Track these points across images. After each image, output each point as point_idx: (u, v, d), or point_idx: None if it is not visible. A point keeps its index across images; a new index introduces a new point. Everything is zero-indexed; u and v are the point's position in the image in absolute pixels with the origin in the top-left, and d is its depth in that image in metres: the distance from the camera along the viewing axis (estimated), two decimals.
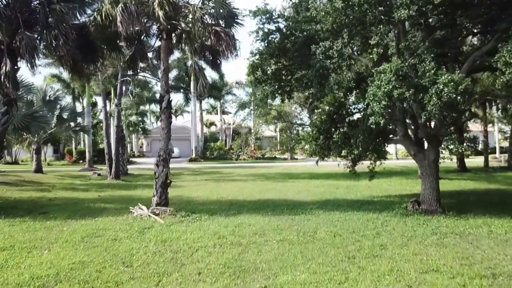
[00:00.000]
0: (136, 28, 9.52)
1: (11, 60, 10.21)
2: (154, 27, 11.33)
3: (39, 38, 10.88)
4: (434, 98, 7.57)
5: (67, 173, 23.36)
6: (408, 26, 9.62)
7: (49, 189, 15.42)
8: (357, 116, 11.46)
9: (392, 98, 7.91)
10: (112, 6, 9.57)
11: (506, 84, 7.92)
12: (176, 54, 26.34)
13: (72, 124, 24.37)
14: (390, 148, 32.28)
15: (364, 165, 11.47)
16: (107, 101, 25.46)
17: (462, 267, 5.49)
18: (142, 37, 11.63)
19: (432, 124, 10.23)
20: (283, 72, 11.79)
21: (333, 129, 10.81)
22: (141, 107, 41.61)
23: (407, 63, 8.19)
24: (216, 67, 13.08)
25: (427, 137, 9.99)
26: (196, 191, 14.61)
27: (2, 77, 10.09)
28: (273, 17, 11.14)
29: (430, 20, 9.93)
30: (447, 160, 11.08)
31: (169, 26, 10.14)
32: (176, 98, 56.68)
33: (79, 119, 25.69)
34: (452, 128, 10.35)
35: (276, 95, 12.18)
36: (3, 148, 12.82)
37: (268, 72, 11.55)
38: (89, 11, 11.75)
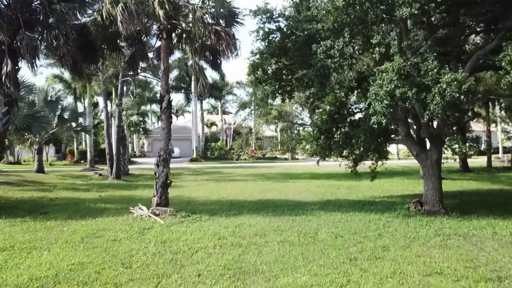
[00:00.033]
0: (137, 28, 9.50)
1: (12, 60, 10.21)
2: (155, 27, 11.33)
3: (39, 38, 10.89)
4: (437, 98, 7.48)
5: (69, 173, 23.38)
6: (410, 24, 9.52)
7: (51, 189, 15.41)
8: (358, 115, 11.40)
9: (394, 97, 7.81)
10: (112, 6, 9.57)
11: (511, 83, 7.82)
12: (177, 54, 26.31)
13: (74, 124, 24.43)
14: (392, 148, 32.13)
15: (365, 165, 11.38)
16: (108, 101, 25.50)
17: (466, 269, 5.39)
18: (142, 37, 11.61)
19: (435, 123, 10.14)
20: (284, 71, 11.73)
21: (334, 129, 10.72)
22: (142, 107, 41.74)
23: (409, 62, 8.10)
24: (216, 67, 13.05)
25: (429, 137, 9.89)
26: (196, 191, 14.56)
27: (3, 77, 10.10)
28: (274, 17, 11.09)
29: (433, 18, 9.83)
30: (451, 160, 10.98)
31: (169, 26, 10.12)
32: (177, 98, 56.67)
33: (81, 119, 25.72)
34: (454, 128, 10.26)
35: (277, 94, 12.14)
36: (4, 148, 12.80)
37: (269, 71, 11.49)
38: (89, 11, 11.80)
